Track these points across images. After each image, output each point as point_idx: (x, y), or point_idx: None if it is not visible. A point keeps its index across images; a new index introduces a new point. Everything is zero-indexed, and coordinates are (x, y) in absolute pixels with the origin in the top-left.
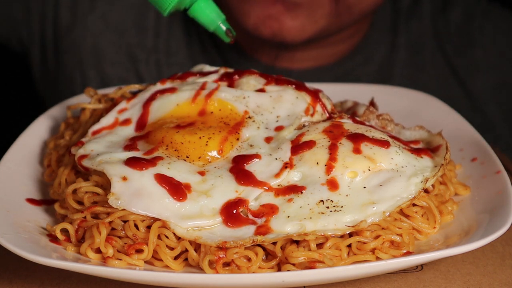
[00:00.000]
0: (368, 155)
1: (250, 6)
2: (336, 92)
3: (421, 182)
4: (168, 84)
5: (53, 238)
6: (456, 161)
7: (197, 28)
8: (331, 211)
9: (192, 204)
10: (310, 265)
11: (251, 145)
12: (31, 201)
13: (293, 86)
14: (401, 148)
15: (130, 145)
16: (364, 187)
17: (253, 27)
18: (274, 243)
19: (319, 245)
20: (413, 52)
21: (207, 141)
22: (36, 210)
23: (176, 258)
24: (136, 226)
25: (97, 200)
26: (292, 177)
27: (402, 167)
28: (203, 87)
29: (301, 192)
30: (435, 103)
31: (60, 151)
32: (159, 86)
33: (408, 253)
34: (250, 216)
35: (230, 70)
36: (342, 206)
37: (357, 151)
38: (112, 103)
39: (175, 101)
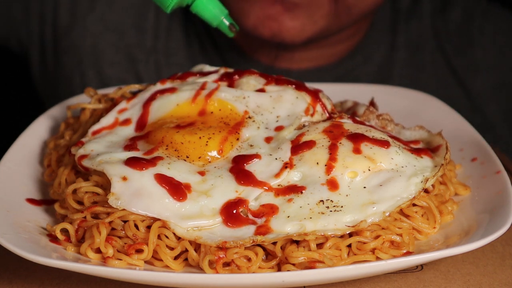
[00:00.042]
0: (368, 155)
1: (250, 6)
2: (336, 92)
3: (421, 182)
4: (168, 84)
5: (53, 238)
6: (456, 161)
7: (196, 28)
8: (331, 211)
9: (192, 204)
10: (310, 265)
11: (251, 145)
12: (31, 201)
13: (293, 86)
14: (401, 148)
15: (130, 145)
16: (364, 187)
17: (252, 28)
18: (274, 243)
19: (319, 245)
20: (413, 52)
21: (207, 141)
22: (36, 210)
23: (176, 258)
24: (136, 226)
25: (97, 200)
26: (292, 177)
27: (402, 167)
28: (203, 87)
29: (301, 192)
30: (435, 103)
31: (60, 151)
32: (159, 86)
33: (408, 253)
34: (250, 216)
35: (230, 70)
36: (342, 206)
37: (357, 151)
38: (112, 103)
39: (175, 101)
